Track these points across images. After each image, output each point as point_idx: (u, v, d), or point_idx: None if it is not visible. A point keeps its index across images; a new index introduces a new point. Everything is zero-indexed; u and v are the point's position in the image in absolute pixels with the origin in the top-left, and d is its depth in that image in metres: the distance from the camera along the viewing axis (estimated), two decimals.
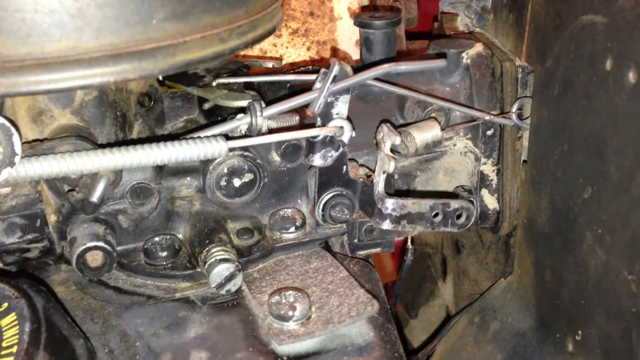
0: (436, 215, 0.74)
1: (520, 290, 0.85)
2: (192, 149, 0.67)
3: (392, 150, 0.74)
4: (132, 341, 0.68)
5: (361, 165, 0.82)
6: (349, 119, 0.74)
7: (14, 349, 0.56)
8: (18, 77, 0.51)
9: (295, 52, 1.06)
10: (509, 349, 0.83)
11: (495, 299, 0.91)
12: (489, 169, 0.88)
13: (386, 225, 0.73)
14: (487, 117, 0.83)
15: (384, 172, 0.73)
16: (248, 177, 0.77)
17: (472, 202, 0.82)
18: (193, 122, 0.83)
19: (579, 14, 0.64)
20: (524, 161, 0.84)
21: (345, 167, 0.76)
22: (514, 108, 0.82)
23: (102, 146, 0.68)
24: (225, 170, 0.75)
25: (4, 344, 0.57)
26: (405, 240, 0.88)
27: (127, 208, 0.76)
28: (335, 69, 0.71)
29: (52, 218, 0.74)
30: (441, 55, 0.84)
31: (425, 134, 0.78)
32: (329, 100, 0.72)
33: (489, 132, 0.86)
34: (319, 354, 0.65)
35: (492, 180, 0.89)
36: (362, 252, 0.84)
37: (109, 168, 0.64)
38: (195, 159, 0.68)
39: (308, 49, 1.06)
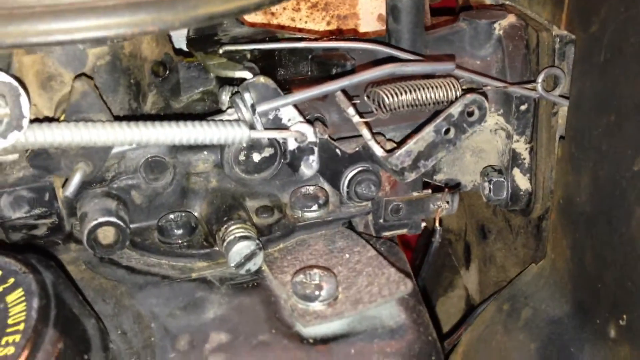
0: (447, 131, 0.69)
1: (555, 275, 0.81)
2: (213, 132, 0.64)
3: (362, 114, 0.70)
4: (146, 322, 0.64)
5: (389, 139, 0.77)
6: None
7: (21, 327, 0.52)
8: (28, 25, 0.46)
9: (314, 26, 1.01)
10: (543, 336, 0.78)
11: (526, 285, 0.86)
12: (521, 147, 0.83)
13: (408, 177, 0.69)
14: (508, 87, 0.77)
15: (369, 138, 0.69)
16: (268, 151, 0.72)
17: (473, 90, 0.74)
18: (210, 94, 0.79)
19: None
20: (561, 137, 0.79)
21: (337, 150, 0.71)
22: (540, 78, 0.77)
23: (117, 118, 0.64)
24: (244, 144, 0.71)
25: (9, 321, 0.53)
26: (432, 222, 0.83)
27: (141, 183, 0.72)
28: (247, 97, 0.66)
29: (61, 192, 0.70)
30: (449, 58, 0.79)
31: (401, 94, 0.70)
32: (270, 117, 0.67)
33: (523, 107, 0.81)
34: (347, 336, 0.60)
35: (524, 159, 0.84)
36: (387, 233, 0.80)
37: (124, 142, 0.59)
38: (214, 142, 0.65)
39: (328, 23, 1.01)
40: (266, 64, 0.80)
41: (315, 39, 0.83)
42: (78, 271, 0.71)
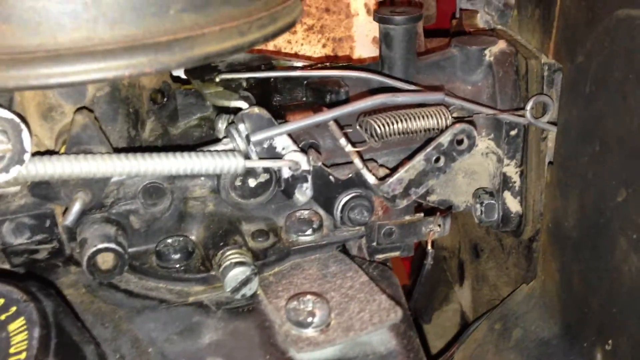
0: (437, 159, 0.71)
1: (544, 297, 0.82)
2: (209, 162, 0.66)
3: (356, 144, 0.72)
4: (144, 347, 0.66)
5: (381, 165, 0.79)
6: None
7: (23, 356, 0.54)
8: (29, 69, 0.48)
9: (310, 49, 1.03)
10: (532, 357, 0.80)
11: (517, 305, 0.88)
12: (512, 170, 0.85)
13: (400, 204, 0.71)
14: (497, 114, 0.79)
15: (361, 167, 0.71)
16: (264, 177, 0.74)
17: (470, 122, 0.75)
18: (206, 120, 0.80)
19: (614, 8, 0.61)
20: (550, 163, 0.81)
21: (330, 177, 0.73)
22: (529, 106, 0.79)
23: (117, 150, 0.66)
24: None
25: (12, 350, 0.54)
26: (424, 244, 0.85)
27: (139, 208, 0.73)
28: (242, 128, 0.68)
29: (61, 218, 0.72)
30: (439, 88, 0.81)
31: (393, 123, 0.72)
32: (264, 146, 0.69)
33: (513, 133, 0.83)
34: None
35: (515, 182, 0.86)
36: (380, 256, 0.82)
37: (123, 173, 0.61)
38: (210, 172, 0.67)
39: (324, 46, 1.03)
40: (262, 90, 0.82)
41: (310, 66, 0.85)
42: (78, 294, 0.72)
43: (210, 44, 0.54)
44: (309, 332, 0.63)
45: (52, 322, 0.57)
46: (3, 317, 0.57)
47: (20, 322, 0.57)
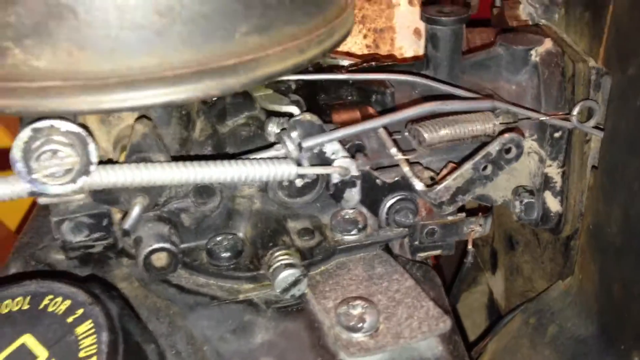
0: (485, 168, 0.73)
1: (581, 296, 0.84)
2: (262, 170, 0.67)
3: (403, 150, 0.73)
4: (199, 344, 0.69)
5: (426, 168, 0.80)
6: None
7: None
8: (102, 95, 0.50)
9: (351, 40, 1.03)
10: (568, 355, 0.82)
11: (552, 301, 0.89)
12: (553, 171, 0.86)
13: (446, 210, 0.73)
14: (544, 118, 0.80)
15: (409, 175, 0.72)
16: (310, 177, 0.76)
17: (511, 129, 0.76)
18: (254, 119, 0.82)
19: None
20: (594, 167, 0.81)
21: (377, 181, 0.75)
22: (575, 111, 0.79)
23: (174, 157, 0.68)
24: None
25: (82, 354, 0.57)
26: (464, 243, 0.87)
27: (190, 207, 0.76)
28: (294, 135, 0.69)
29: (117, 216, 0.74)
30: (488, 95, 0.81)
31: (440, 130, 0.73)
32: (315, 151, 0.70)
33: (557, 135, 0.83)
34: None
35: (556, 182, 0.86)
36: (422, 254, 0.84)
37: (181, 181, 0.63)
38: (263, 180, 0.68)
39: (365, 36, 1.04)
40: (309, 90, 0.83)
41: (356, 65, 0.86)
42: (132, 288, 0.75)
43: (273, 64, 0.55)
44: (359, 336, 0.65)
45: (118, 326, 0.59)
46: (70, 319, 0.60)
47: (88, 325, 0.60)
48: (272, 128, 0.75)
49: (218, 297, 0.74)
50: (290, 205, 0.78)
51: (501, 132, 0.73)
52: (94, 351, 0.57)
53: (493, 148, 0.71)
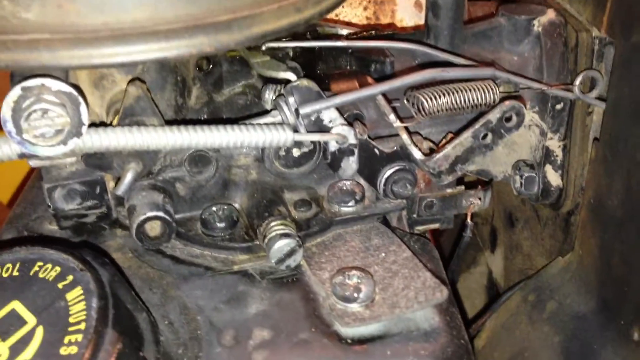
0: (485, 136, 0.71)
1: (581, 272, 0.83)
2: (258, 136, 0.66)
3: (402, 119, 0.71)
4: (192, 314, 0.68)
5: (425, 138, 0.78)
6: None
7: (82, 326, 0.55)
8: (93, 48, 0.48)
9: (351, 11, 1.01)
10: (567, 331, 0.81)
11: (552, 277, 0.88)
12: (554, 144, 0.85)
13: (445, 180, 0.72)
14: (545, 88, 0.78)
15: (408, 143, 0.70)
16: (307, 147, 0.74)
17: (515, 97, 0.75)
18: (251, 88, 0.80)
19: None
20: (595, 139, 0.80)
21: (375, 150, 0.73)
22: (578, 81, 0.77)
23: (167, 121, 0.66)
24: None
25: (71, 320, 0.56)
26: (462, 216, 0.85)
27: (185, 176, 0.74)
28: (292, 101, 0.67)
29: (111, 185, 0.73)
30: (489, 63, 0.79)
31: (440, 98, 0.71)
32: (312, 118, 0.69)
33: (558, 106, 0.82)
34: (383, 337, 0.63)
35: (557, 156, 0.85)
36: (420, 228, 0.82)
37: (175, 146, 0.62)
38: (259, 146, 0.67)
39: (365, 8, 1.02)
40: (306, 58, 0.81)
41: (355, 34, 0.84)
42: (125, 259, 0.74)
43: (268, 22, 0.54)
44: (355, 307, 0.64)
45: (108, 293, 0.58)
46: (60, 285, 0.59)
47: (77, 291, 0.58)
48: (269, 95, 0.74)
49: (212, 268, 0.73)
50: (287, 175, 0.77)
51: (502, 100, 0.71)
52: (84, 317, 0.56)
53: (493, 116, 0.69)
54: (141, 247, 0.75)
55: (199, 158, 0.74)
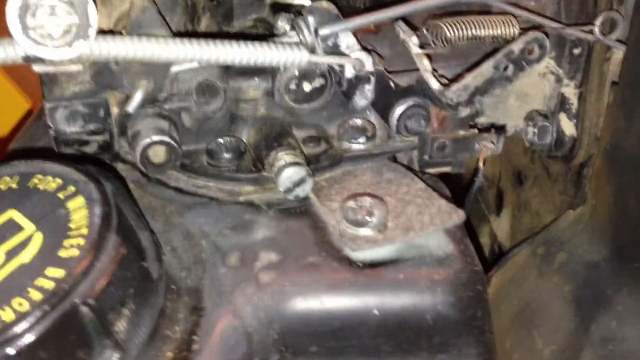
0: (506, 68, 0.69)
1: (594, 221, 0.81)
2: (273, 53, 0.63)
3: (422, 45, 0.69)
4: (196, 240, 0.65)
5: (441, 76, 0.76)
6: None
7: (84, 231, 0.53)
8: None
9: None
10: (578, 279, 0.79)
11: (562, 230, 0.86)
12: (570, 91, 0.83)
13: (462, 112, 0.70)
14: (565, 29, 0.76)
15: (426, 71, 0.68)
16: (319, 82, 0.72)
17: (534, 27, 0.73)
18: (262, 22, 0.78)
19: None
20: (614, 82, 0.78)
21: (391, 83, 0.71)
22: (598, 22, 0.76)
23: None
24: (296, 73, 0.71)
25: (72, 225, 0.54)
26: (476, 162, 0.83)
27: (192, 106, 0.72)
28: (311, 20, 0.65)
29: (114, 110, 0.71)
30: None
31: (461, 27, 0.70)
32: (329, 44, 0.67)
33: (576, 51, 0.80)
34: (396, 262, 0.61)
35: (572, 104, 0.83)
36: (431, 170, 0.80)
37: (187, 59, 0.60)
38: (274, 64, 0.64)
39: None
40: None
41: None
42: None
43: None
44: (366, 231, 0.62)
45: (112, 202, 0.56)
46: (62, 195, 0.57)
47: (79, 200, 0.56)
48: (282, 23, 0.72)
49: (218, 199, 0.70)
50: (296, 111, 0.74)
51: (525, 31, 0.69)
52: (85, 222, 0.54)
53: (516, 46, 0.68)
54: (143, 179, 0.73)
55: (207, 87, 0.71)
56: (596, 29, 0.75)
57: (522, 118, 0.87)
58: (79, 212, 0.55)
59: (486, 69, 0.68)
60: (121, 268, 0.53)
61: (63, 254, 0.52)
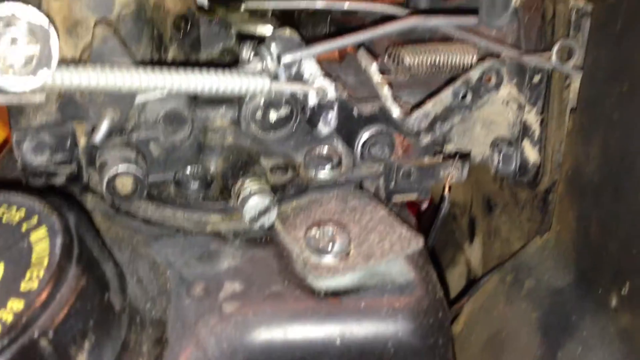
0: (465, 96, 0.71)
1: (559, 247, 0.82)
2: (235, 81, 0.64)
3: (383, 72, 0.71)
4: (162, 270, 0.66)
5: (405, 102, 0.78)
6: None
7: (45, 262, 0.53)
8: None
9: None
10: (545, 306, 0.80)
11: (529, 257, 0.87)
12: (532, 118, 0.84)
13: (424, 139, 0.70)
14: (524, 57, 0.78)
15: (387, 99, 0.70)
16: (285, 110, 0.73)
17: (494, 55, 0.75)
18: (229, 52, 0.79)
19: None
20: (572, 109, 0.80)
21: (354, 111, 0.72)
22: (555, 49, 0.78)
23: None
24: (262, 102, 0.72)
25: (34, 257, 0.54)
26: (442, 190, 0.84)
27: (159, 136, 0.73)
28: (273, 48, 0.67)
29: (82, 140, 0.71)
30: (473, 12, 0.80)
31: (421, 54, 0.72)
32: (292, 72, 0.68)
33: (536, 78, 0.82)
34: (358, 290, 0.62)
35: (534, 130, 0.85)
36: (397, 197, 0.81)
37: (149, 87, 0.60)
38: (236, 92, 0.65)
39: None
40: (285, 24, 0.81)
41: None
42: (95, 220, 0.72)
43: None
44: (329, 259, 0.63)
45: (74, 232, 0.56)
46: (24, 227, 0.57)
47: (42, 231, 0.56)
48: (247, 52, 0.73)
49: (185, 229, 0.71)
50: (263, 140, 0.75)
51: (482, 59, 0.71)
52: (47, 254, 0.54)
53: (473, 74, 0.69)
54: (112, 211, 0.73)
55: (174, 117, 0.72)
56: (554, 57, 0.77)
57: (488, 145, 0.89)
58: (41, 244, 0.55)
59: (445, 96, 0.69)
60: (81, 300, 0.53)
61: (24, 285, 0.52)
